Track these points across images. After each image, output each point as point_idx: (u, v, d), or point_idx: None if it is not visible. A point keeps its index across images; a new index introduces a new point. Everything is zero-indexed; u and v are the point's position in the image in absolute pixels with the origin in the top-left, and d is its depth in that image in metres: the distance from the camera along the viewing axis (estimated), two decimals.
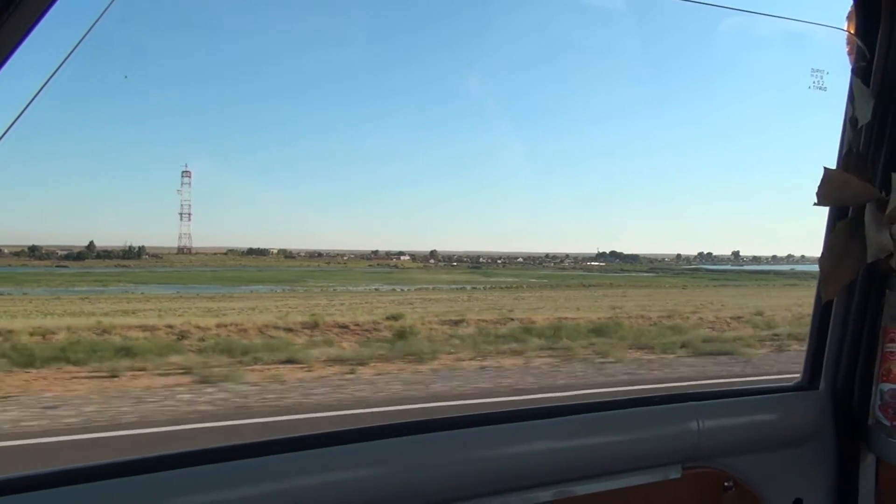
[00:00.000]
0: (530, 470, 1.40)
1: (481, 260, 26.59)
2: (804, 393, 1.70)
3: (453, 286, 23.64)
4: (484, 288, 23.75)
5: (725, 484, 1.58)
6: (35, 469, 1.07)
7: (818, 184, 1.47)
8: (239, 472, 1.17)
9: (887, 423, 1.53)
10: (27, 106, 0.91)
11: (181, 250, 23.32)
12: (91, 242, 22.55)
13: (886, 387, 1.53)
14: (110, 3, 0.95)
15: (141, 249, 23.15)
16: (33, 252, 21.88)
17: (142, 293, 20.20)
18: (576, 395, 7.61)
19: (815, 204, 1.49)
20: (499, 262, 26.75)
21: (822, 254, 1.55)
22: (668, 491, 1.52)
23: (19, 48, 0.89)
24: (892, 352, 1.52)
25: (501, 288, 23.79)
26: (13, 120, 0.90)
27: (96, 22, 0.96)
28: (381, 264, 25.96)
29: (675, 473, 1.52)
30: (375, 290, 22.88)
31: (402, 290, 22.81)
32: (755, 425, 1.64)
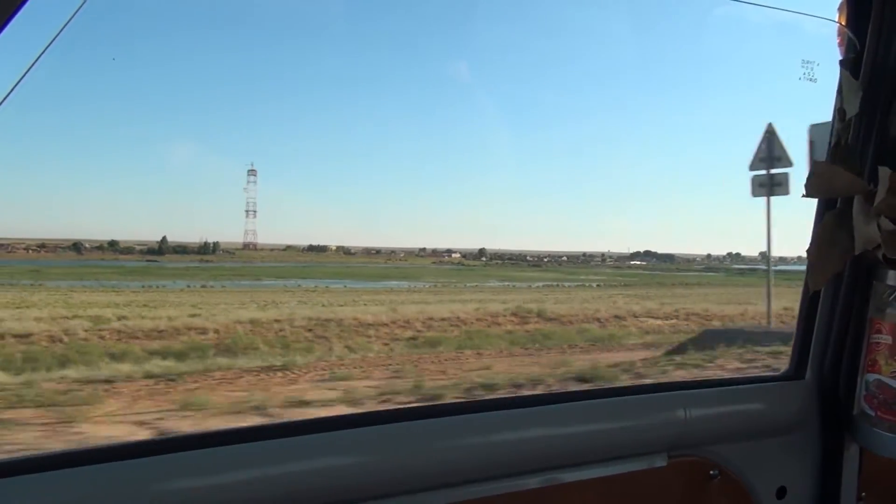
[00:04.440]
0: (517, 457, 1.44)
1: (528, 258, 26.20)
2: (790, 383, 1.72)
3: (568, 283, 21.99)
4: (603, 286, 21.90)
5: (711, 472, 1.61)
6: (25, 454, 1.12)
7: (806, 176, 1.49)
8: (227, 457, 1.21)
9: (872, 413, 1.53)
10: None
11: (246, 246, 24.07)
12: (164, 237, 23.58)
13: (872, 377, 1.53)
14: None
15: (216, 245, 23.94)
16: (112, 247, 23.06)
17: (326, 286, 18.63)
18: None
19: (803, 196, 1.51)
20: (545, 259, 26.29)
21: (810, 244, 1.56)
22: (654, 478, 1.55)
23: None
24: (877, 343, 1.53)
25: (612, 286, 21.69)
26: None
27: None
28: (443, 262, 25.81)
29: (661, 461, 1.55)
30: (508, 285, 21.20)
31: (528, 286, 21.18)
32: (741, 414, 1.66)
